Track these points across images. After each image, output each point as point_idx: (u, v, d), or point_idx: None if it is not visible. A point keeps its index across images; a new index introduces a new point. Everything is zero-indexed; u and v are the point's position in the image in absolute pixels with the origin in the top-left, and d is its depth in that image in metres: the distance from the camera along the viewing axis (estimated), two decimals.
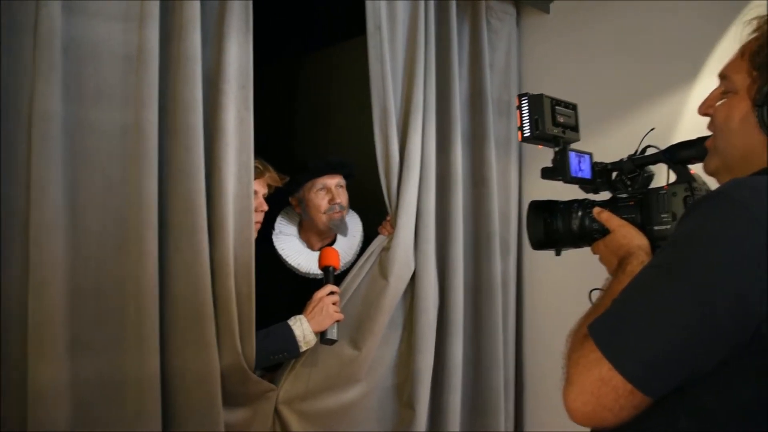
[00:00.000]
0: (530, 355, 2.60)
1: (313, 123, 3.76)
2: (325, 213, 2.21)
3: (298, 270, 2.21)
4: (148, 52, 1.61)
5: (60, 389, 1.49)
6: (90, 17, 1.58)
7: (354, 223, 2.32)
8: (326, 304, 1.92)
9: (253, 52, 1.81)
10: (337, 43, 3.45)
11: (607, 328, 0.85)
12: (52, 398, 1.47)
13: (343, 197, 2.23)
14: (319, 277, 2.06)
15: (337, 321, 1.92)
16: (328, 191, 2.21)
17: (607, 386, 0.80)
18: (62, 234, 1.51)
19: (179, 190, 1.66)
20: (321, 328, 1.90)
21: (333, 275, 2.02)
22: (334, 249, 2.09)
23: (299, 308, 1.94)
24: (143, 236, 1.58)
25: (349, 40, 3.23)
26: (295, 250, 2.25)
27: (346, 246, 2.25)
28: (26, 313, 1.46)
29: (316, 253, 2.20)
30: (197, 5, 1.68)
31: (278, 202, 2.32)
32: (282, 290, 2.17)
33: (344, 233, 2.25)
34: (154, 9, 1.62)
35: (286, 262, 2.22)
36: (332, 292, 1.96)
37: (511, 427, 2.48)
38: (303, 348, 1.89)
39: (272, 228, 2.29)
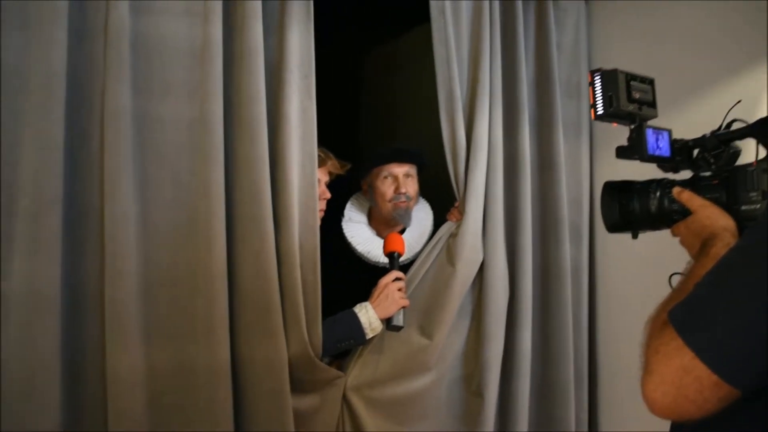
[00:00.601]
0: (605, 344, 2.51)
1: (379, 111, 3.75)
2: (390, 201, 2.20)
3: (366, 258, 2.21)
4: (212, 46, 1.64)
5: (136, 376, 1.55)
6: (156, 15, 1.63)
7: (424, 213, 2.29)
8: (392, 291, 1.91)
9: (315, 42, 1.81)
10: (402, 30, 3.42)
11: (689, 315, 0.79)
12: (129, 385, 1.53)
13: (410, 187, 2.21)
14: (388, 266, 2.05)
15: (403, 307, 1.91)
16: (395, 179, 2.20)
17: (689, 376, 0.75)
18: (134, 226, 1.56)
19: (245, 181, 1.68)
20: (387, 315, 1.89)
21: (398, 261, 2.01)
22: (398, 234, 2.08)
23: (366, 296, 1.93)
24: (211, 227, 1.61)
25: (413, 27, 3.20)
26: (364, 238, 2.25)
27: (416, 235, 2.22)
28: (103, 303, 1.52)
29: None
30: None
31: (347, 189, 2.32)
32: (350, 277, 2.16)
33: (407, 224, 2.22)
34: (217, 2, 1.65)
35: (355, 249, 2.23)
36: (397, 278, 1.95)
37: (585, 416, 2.41)
38: (369, 335, 1.89)
39: (342, 214, 2.30)
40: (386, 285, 1.92)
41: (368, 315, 1.88)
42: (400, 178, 2.19)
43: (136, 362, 1.55)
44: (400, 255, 2.02)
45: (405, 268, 2.04)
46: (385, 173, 2.20)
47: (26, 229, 1.44)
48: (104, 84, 1.55)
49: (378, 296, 1.90)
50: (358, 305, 1.91)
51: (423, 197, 2.33)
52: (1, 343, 1.42)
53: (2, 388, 1.42)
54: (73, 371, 1.52)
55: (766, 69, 2.00)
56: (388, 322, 1.90)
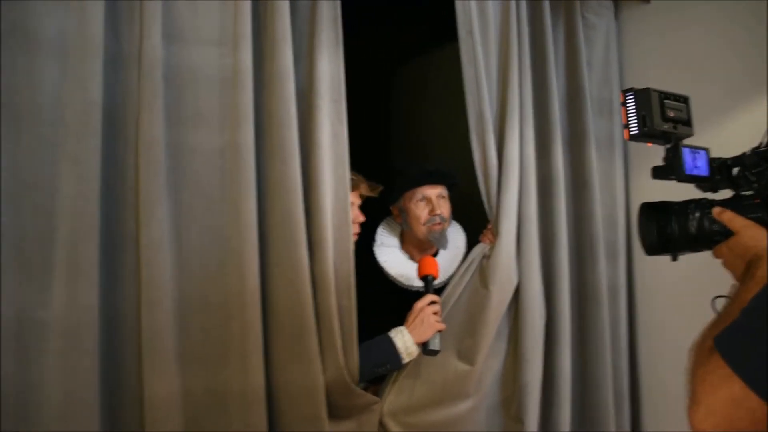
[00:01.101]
0: (647, 367, 2.45)
1: (408, 132, 3.76)
2: (424, 224, 2.17)
3: (399, 282, 2.19)
4: (242, 73, 1.66)
5: (172, 400, 1.55)
6: (188, 44, 1.66)
7: (457, 235, 2.28)
8: (427, 315, 1.89)
9: (344, 66, 1.82)
10: (429, 50, 3.43)
11: (736, 341, 0.76)
12: (166, 410, 1.53)
13: (444, 208, 2.19)
14: (422, 289, 2.03)
15: (439, 331, 1.89)
16: (429, 202, 2.17)
17: (740, 408, 0.72)
18: (169, 253, 1.57)
19: (278, 206, 1.68)
20: (423, 339, 1.87)
21: (433, 284, 1.98)
22: (432, 258, 2.05)
23: (401, 320, 1.91)
24: (244, 253, 1.62)
25: (440, 47, 3.21)
26: (397, 262, 2.23)
27: (449, 257, 2.20)
28: (140, 329, 1.53)
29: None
30: (287, 23, 1.72)
31: (376, 213, 2.31)
32: (384, 302, 2.14)
33: (443, 246, 2.20)
34: (247, 30, 1.67)
35: (388, 273, 2.21)
36: (433, 302, 1.92)
37: None
38: (405, 360, 1.86)
39: (373, 239, 2.28)
40: (422, 309, 1.90)
41: (404, 339, 1.86)
42: (434, 200, 2.17)
43: (172, 388, 1.55)
44: (434, 278, 1.99)
45: (438, 291, 2.02)
46: (418, 196, 2.18)
47: (65, 258, 1.45)
48: (138, 114, 1.57)
49: (413, 320, 1.88)
50: (393, 330, 1.88)
51: (454, 219, 2.31)
52: (42, 370, 1.44)
53: (42, 415, 1.43)
54: (111, 397, 1.52)
55: None
56: (424, 347, 1.87)
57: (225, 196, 1.64)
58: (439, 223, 2.16)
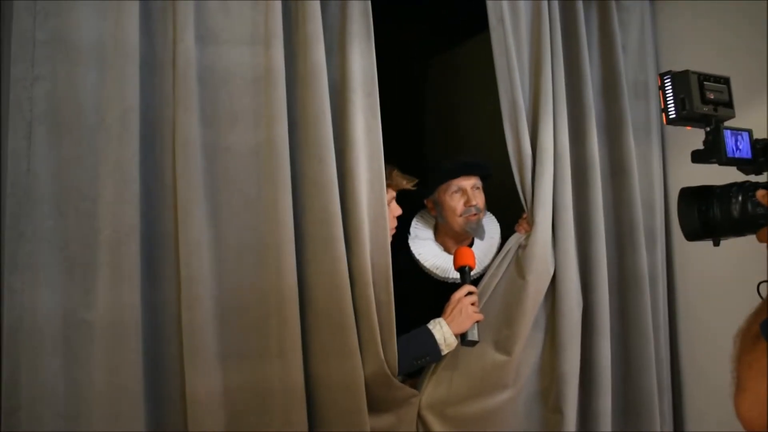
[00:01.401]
0: (687, 354, 2.40)
1: (443, 124, 3.74)
2: (461, 216, 2.18)
3: (435, 274, 2.19)
4: (275, 71, 1.67)
5: (214, 398, 1.58)
6: (221, 45, 1.68)
7: (491, 226, 2.26)
8: (465, 305, 1.88)
9: (376, 59, 1.82)
10: (461, 41, 3.40)
11: None
12: (207, 406, 1.57)
13: (479, 199, 2.19)
14: (457, 281, 2.03)
15: (477, 321, 1.88)
16: (464, 193, 2.18)
17: None
18: (207, 252, 1.60)
19: (315, 202, 1.70)
20: (461, 330, 1.86)
21: (470, 275, 1.98)
22: (468, 248, 2.05)
23: (437, 313, 1.91)
24: (281, 249, 1.64)
25: (472, 37, 3.18)
26: (432, 254, 2.23)
27: (484, 248, 2.19)
28: (180, 327, 1.57)
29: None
30: (319, 19, 1.72)
31: (411, 206, 2.31)
32: (420, 294, 2.15)
33: (481, 236, 2.19)
34: (278, 29, 1.68)
35: (424, 266, 2.21)
36: (470, 293, 1.92)
37: (670, 427, 2.32)
38: (444, 351, 1.86)
39: (408, 232, 2.29)
40: (459, 300, 1.89)
41: (443, 331, 1.86)
42: (469, 191, 2.18)
43: (213, 385, 1.58)
44: (471, 269, 1.99)
45: (475, 282, 2.01)
46: (453, 188, 2.19)
47: (108, 259, 1.50)
48: (174, 115, 1.60)
49: (452, 311, 1.88)
50: (431, 321, 1.88)
51: (489, 210, 2.30)
52: (89, 369, 1.48)
53: (89, 414, 1.48)
54: (155, 395, 1.56)
55: None
56: (462, 338, 1.87)
57: (261, 194, 1.66)
58: (475, 214, 2.16)
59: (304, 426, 1.64)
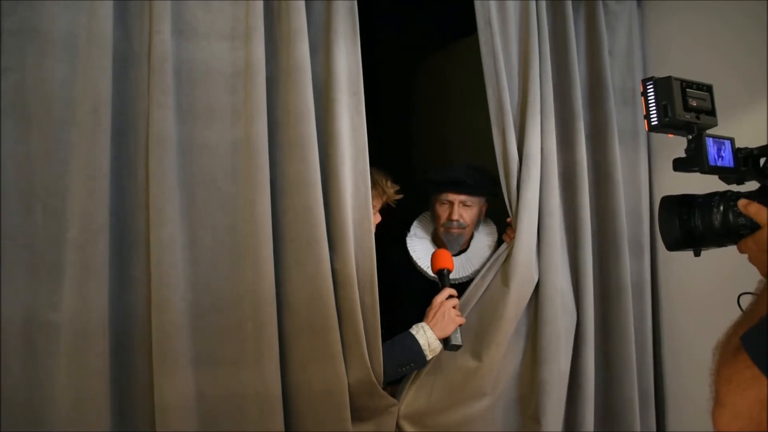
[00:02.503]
0: (671, 365, 2.38)
1: (432, 128, 3.71)
2: (441, 226, 2.20)
3: (427, 274, 2.19)
4: (254, 66, 1.63)
5: (185, 404, 1.53)
6: (199, 39, 1.63)
7: (488, 235, 2.26)
8: (447, 309, 1.86)
9: (362, 58, 1.79)
10: (449, 44, 3.38)
11: (765, 341, 0.72)
12: (178, 413, 1.52)
13: (466, 215, 2.18)
14: (455, 282, 2.03)
15: (460, 325, 1.86)
16: (450, 206, 2.18)
17: None
18: (180, 253, 1.56)
19: (297, 202, 1.66)
20: (445, 334, 1.84)
21: (448, 278, 1.97)
22: (446, 251, 2.05)
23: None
24: (259, 251, 1.60)
25: (460, 40, 3.15)
26: (426, 253, 2.23)
27: (474, 258, 2.18)
28: (150, 329, 1.52)
29: None
30: (303, 15, 1.69)
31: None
32: (411, 293, 2.18)
33: (453, 250, 2.19)
34: (259, 23, 1.64)
35: (417, 264, 2.21)
36: (451, 296, 1.90)
37: None
38: (429, 356, 1.84)
39: (407, 230, 2.31)
40: (441, 303, 1.87)
41: (426, 336, 1.83)
42: (454, 206, 2.18)
43: (184, 390, 1.53)
44: (449, 271, 1.98)
45: (463, 287, 2.00)
46: (443, 198, 2.20)
47: (75, 259, 1.45)
48: (149, 110, 1.55)
49: (434, 315, 1.85)
50: (414, 327, 1.86)
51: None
52: (52, 372, 1.43)
53: (51, 419, 1.43)
54: (122, 401, 1.52)
55: None
56: (446, 342, 1.85)
57: (238, 193, 1.62)
58: (456, 229, 2.18)
59: None
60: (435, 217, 2.24)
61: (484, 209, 2.27)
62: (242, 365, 1.59)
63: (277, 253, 1.64)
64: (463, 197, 2.18)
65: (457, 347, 1.85)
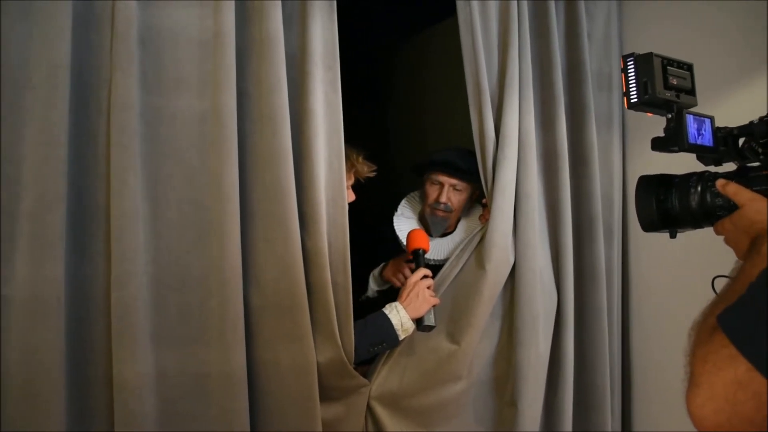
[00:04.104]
0: (638, 350, 2.39)
1: (410, 109, 3.68)
2: (429, 206, 2.19)
3: None
4: (224, 36, 1.57)
5: (145, 382, 1.48)
6: (166, 5, 1.57)
7: (469, 218, 2.24)
8: (421, 289, 1.84)
9: (341, 37, 1.75)
10: (431, 25, 3.34)
11: (742, 319, 0.69)
12: (137, 391, 1.47)
13: (454, 199, 2.17)
14: (434, 263, 2.02)
15: (434, 306, 1.84)
16: (440, 187, 2.17)
17: (746, 391, 0.65)
18: (143, 226, 1.50)
19: (267, 177, 1.61)
20: (419, 314, 1.82)
21: (423, 258, 1.95)
22: (421, 230, 2.03)
23: None
24: (225, 226, 1.55)
25: (443, 21, 3.12)
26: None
27: (458, 240, 2.15)
28: (109, 306, 1.45)
29: (434, 240, 2.18)
30: None
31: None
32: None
33: (436, 232, 2.20)
34: None
35: (402, 243, 2.18)
36: (426, 276, 1.88)
37: (618, 426, 2.30)
38: (402, 336, 1.81)
39: (395, 209, 2.30)
40: (415, 283, 1.85)
41: (399, 316, 1.80)
42: (444, 188, 2.16)
43: (144, 368, 1.48)
44: (425, 252, 1.96)
45: (438, 269, 1.98)
46: (434, 179, 2.19)
47: (28, 230, 1.37)
48: (111, 77, 1.48)
49: (408, 295, 1.83)
50: (387, 306, 1.83)
51: None
52: (2, 348, 1.36)
53: (3, 396, 1.36)
54: (78, 377, 1.45)
55: None
56: (419, 322, 1.82)
57: (205, 166, 1.56)
58: (441, 211, 2.16)
59: (245, 413, 1.56)
60: (424, 197, 2.22)
61: (475, 195, 2.24)
62: (205, 343, 1.54)
63: (246, 230, 1.59)
64: (454, 181, 2.16)
65: (430, 328, 1.83)
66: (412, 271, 1.93)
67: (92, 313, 1.48)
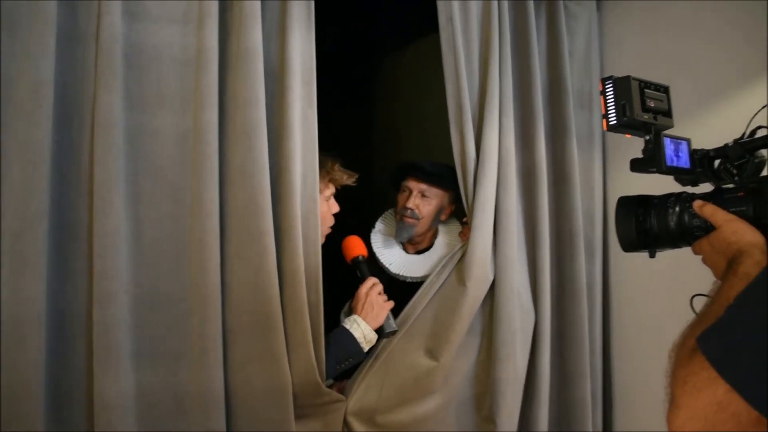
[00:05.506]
0: (619, 366, 2.41)
1: (394, 123, 3.70)
2: (398, 213, 2.19)
3: (388, 270, 2.17)
4: (207, 52, 1.58)
5: (125, 401, 1.47)
6: (150, 23, 1.58)
7: (452, 236, 2.23)
8: (374, 297, 1.86)
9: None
10: (413, 42, 3.37)
11: (721, 341, 0.71)
12: (118, 409, 1.46)
13: (422, 207, 2.16)
14: (413, 280, 2.03)
15: (390, 310, 1.86)
16: (409, 194, 2.17)
17: (725, 412, 0.66)
18: (125, 243, 1.50)
19: (241, 192, 1.61)
20: (379, 323, 1.84)
21: (365, 264, 1.97)
22: (355, 237, 2.03)
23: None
24: (205, 244, 1.54)
25: (424, 38, 3.15)
26: (388, 249, 2.23)
27: (435, 258, 2.15)
28: (91, 324, 1.45)
29: (410, 256, 2.19)
30: (258, 1, 1.64)
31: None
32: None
33: (400, 240, 2.21)
34: (213, 8, 1.60)
35: (379, 260, 2.19)
36: (374, 284, 1.90)
37: None
38: (366, 348, 1.82)
39: (373, 226, 2.30)
40: (367, 294, 1.87)
41: (361, 328, 1.81)
42: (412, 194, 2.17)
43: (125, 387, 1.47)
44: (364, 258, 1.98)
45: (416, 287, 1.99)
46: (404, 186, 2.21)
47: (9, 248, 1.37)
48: (95, 94, 1.49)
49: (363, 307, 1.85)
50: (346, 320, 1.84)
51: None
52: None
53: None
54: (58, 396, 1.45)
55: None
56: (381, 331, 1.83)
57: (187, 184, 1.57)
58: (409, 218, 2.15)
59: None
60: (396, 207, 2.23)
61: (449, 209, 2.25)
62: (186, 362, 1.54)
63: (224, 246, 1.59)
64: (422, 186, 2.16)
65: (393, 333, 1.84)
66: (360, 280, 1.93)
67: (73, 331, 1.47)
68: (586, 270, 2.26)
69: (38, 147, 1.41)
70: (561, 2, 2.29)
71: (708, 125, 2.03)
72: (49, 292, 1.41)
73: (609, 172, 2.44)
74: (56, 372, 1.44)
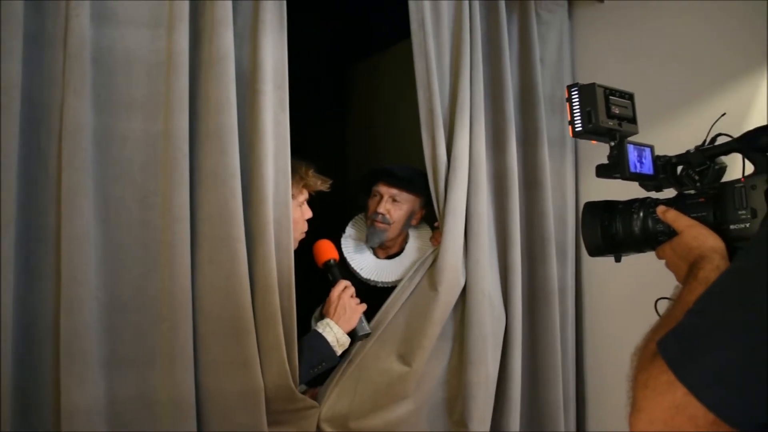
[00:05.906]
0: (592, 369, 2.44)
1: (367, 128, 3.70)
2: (369, 218, 2.19)
3: (359, 275, 2.17)
4: (177, 56, 1.57)
5: (93, 408, 1.45)
6: (119, 26, 1.57)
7: (422, 240, 2.24)
8: (346, 301, 1.86)
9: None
10: (388, 47, 3.38)
11: (680, 345, 0.72)
12: (85, 417, 1.44)
13: (393, 212, 2.17)
14: (384, 285, 2.03)
15: (363, 312, 1.87)
16: (380, 199, 2.17)
17: (682, 415, 0.67)
18: (94, 249, 1.48)
19: (212, 197, 1.59)
20: (351, 326, 1.84)
21: (336, 267, 1.97)
22: (326, 241, 2.03)
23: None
24: (175, 249, 1.53)
25: (397, 44, 3.16)
26: (359, 254, 2.23)
27: (407, 263, 2.15)
28: (58, 330, 1.43)
29: (381, 261, 2.19)
30: (229, 5, 1.63)
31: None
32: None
33: (371, 244, 2.21)
34: (183, 11, 1.58)
35: (350, 265, 2.19)
36: (346, 287, 1.90)
37: None
38: (339, 352, 1.82)
39: (343, 231, 2.30)
40: (339, 297, 1.87)
41: (334, 332, 1.81)
42: (383, 199, 2.17)
43: (93, 393, 1.45)
44: (336, 261, 1.98)
45: (388, 293, 1.99)
46: (374, 192, 2.21)
47: None
48: (63, 98, 1.47)
49: (335, 310, 1.85)
50: (319, 324, 1.84)
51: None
52: None
53: None
54: (25, 403, 1.42)
55: (750, 83, 1.96)
56: (354, 334, 1.84)
57: (157, 188, 1.55)
58: (380, 222, 2.16)
59: None
60: (366, 212, 2.24)
61: (419, 214, 2.25)
62: (155, 367, 1.53)
63: (195, 251, 1.58)
64: (393, 191, 2.17)
65: (366, 335, 1.85)
66: (331, 284, 1.93)
67: (40, 338, 1.45)
68: (558, 274, 2.28)
69: (5, 152, 1.39)
70: (533, 10, 2.31)
71: (673, 132, 2.07)
72: (16, 297, 1.39)
73: (581, 177, 2.46)
74: (23, 379, 1.42)
